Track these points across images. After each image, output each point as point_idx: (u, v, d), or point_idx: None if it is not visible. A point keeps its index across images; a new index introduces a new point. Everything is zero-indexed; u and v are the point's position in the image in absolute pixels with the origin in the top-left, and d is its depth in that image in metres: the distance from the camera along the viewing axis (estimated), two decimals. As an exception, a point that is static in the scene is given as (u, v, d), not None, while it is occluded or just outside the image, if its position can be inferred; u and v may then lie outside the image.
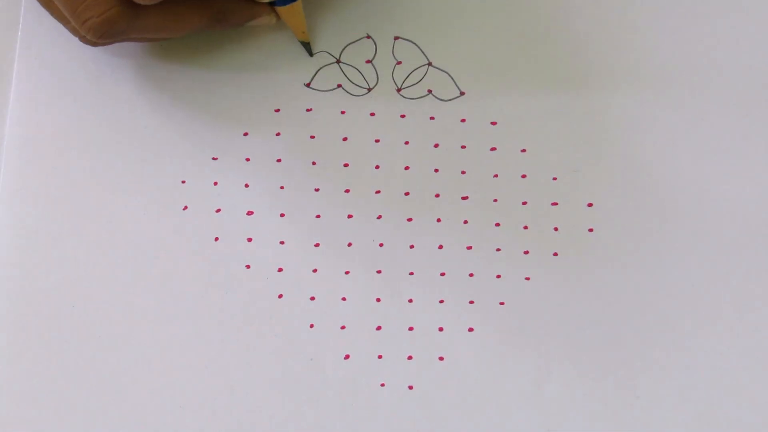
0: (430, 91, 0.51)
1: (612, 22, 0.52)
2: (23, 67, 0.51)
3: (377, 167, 0.50)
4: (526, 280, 0.49)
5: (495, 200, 0.50)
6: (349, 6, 0.52)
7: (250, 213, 0.50)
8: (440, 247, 0.49)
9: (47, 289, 0.48)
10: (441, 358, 0.48)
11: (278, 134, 0.51)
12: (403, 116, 0.51)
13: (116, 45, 0.50)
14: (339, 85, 0.51)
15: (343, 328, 0.48)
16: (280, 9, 0.49)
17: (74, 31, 0.47)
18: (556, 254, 0.49)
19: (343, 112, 0.51)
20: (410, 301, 0.49)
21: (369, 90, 0.51)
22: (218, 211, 0.50)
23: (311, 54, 0.51)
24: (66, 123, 0.50)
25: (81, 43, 0.47)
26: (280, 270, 0.49)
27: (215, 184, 0.50)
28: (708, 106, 0.51)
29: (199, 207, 0.50)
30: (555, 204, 0.50)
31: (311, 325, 0.48)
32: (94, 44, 0.47)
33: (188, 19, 0.47)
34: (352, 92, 0.51)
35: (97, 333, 0.48)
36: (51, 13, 0.48)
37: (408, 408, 0.48)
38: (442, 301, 0.49)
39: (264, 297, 0.49)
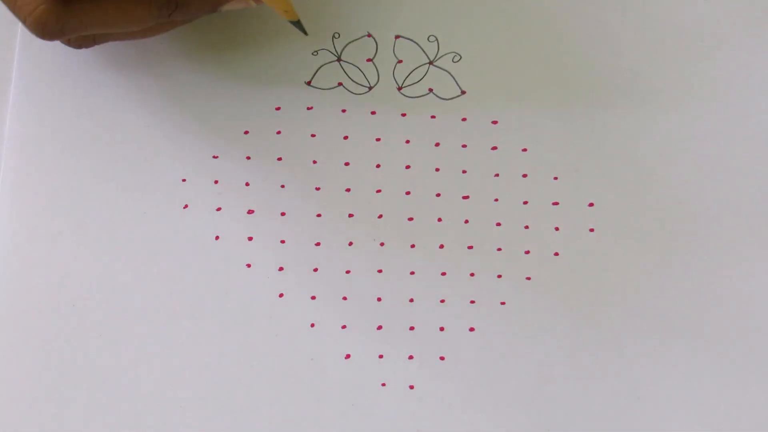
0: (431, 90, 0.51)
1: (613, 22, 0.52)
2: (23, 67, 0.50)
3: (378, 166, 0.50)
4: (527, 280, 0.49)
5: (496, 200, 0.50)
6: (351, 4, 0.52)
7: (250, 212, 0.50)
8: (441, 246, 0.49)
9: (47, 289, 0.48)
10: (442, 358, 0.48)
11: (279, 132, 0.50)
12: (404, 115, 0.51)
13: (114, 45, 0.50)
14: (340, 84, 0.51)
15: (343, 327, 0.48)
16: None
17: None
18: (557, 254, 0.49)
19: (343, 111, 0.51)
20: (411, 300, 0.49)
21: (370, 88, 0.51)
22: (219, 209, 0.50)
23: (305, 32, 0.50)
24: (66, 122, 0.50)
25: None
26: (280, 269, 0.49)
27: (216, 182, 0.50)
28: (708, 105, 0.51)
29: (200, 205, 0.50)
30: (556, 204, 0.50)
31: (312, 325, 0.48)
32: (48, 39, 0.44)
33: (134, 12, 0.44)
34: (352, 91, 0.51)
35: (97, 333, 0.48)
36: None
37: (409, 408, 0.48)
38: (443, 301, 0.49)
39: (264, 296, 0.49)
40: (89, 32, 0.45)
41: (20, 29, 0.51)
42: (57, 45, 0.50)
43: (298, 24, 0.49)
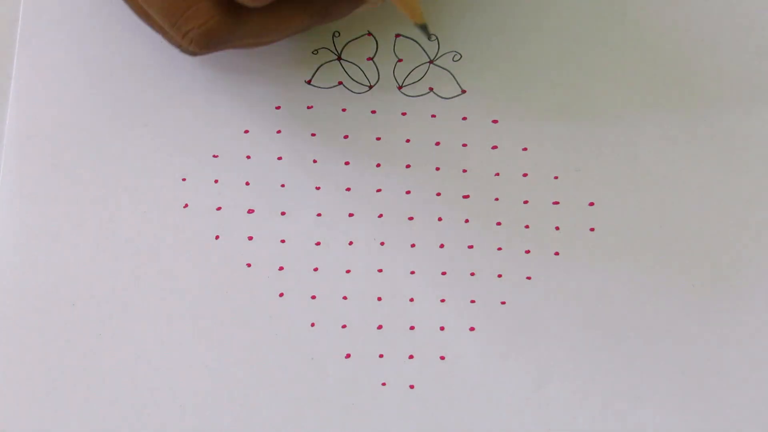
0: (431, 89, 0.51)
1: (613, 21, 0.52)
2: (23, 65, 0.50)
3: (378, 165, 0.50)
4: (527, 280, 0.49)
5: (496, 199, 0.50)
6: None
7: (250, 211, 0.50)
8: (441, 246, 0.49)
9: (47, 289, 0.48)
10: (442, 358, 0.48)
11: (279, 132, 0.50)
12: (404, 114, 0.51)
13: (114, 43, 0.50)
14: (340, 83, 0.51)
15: (344, 327, 0.48)
16: None
17: (173, 41, 0.45)
18: (557, 253, 0.49)
19: (344, 110, 0.51)
20: (411, 300, 0.49)
21: (370, 87, 0.51)
22: (219, 209, 0.49)
23: (429, 36, 0.48)
24: (66, 121, 0.50)
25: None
26: (280, 269, 0.49)
27: (216, 181, 0.50)
28: (709, 105, 0.51)
29: (200, 205, 0.50)
30: (556, 203, 0.50)
31: (312, 324, 0.48)
32: (194, 54, 0.45)
33: (291, 20, 0.44)
34: (353, 90, 0.51)
35: (96, 332, 0.48)
36: (149, 25, 0.46)
37: (409, 407, 0.48)
38: (443, 301, 0.49)
39: (265, 296, 0.49)
40: (246, 42, 0.45)
41: (20, 28, 0.51)
42: (58, 43, 0.50)
43: (423, 28, 0.46)
